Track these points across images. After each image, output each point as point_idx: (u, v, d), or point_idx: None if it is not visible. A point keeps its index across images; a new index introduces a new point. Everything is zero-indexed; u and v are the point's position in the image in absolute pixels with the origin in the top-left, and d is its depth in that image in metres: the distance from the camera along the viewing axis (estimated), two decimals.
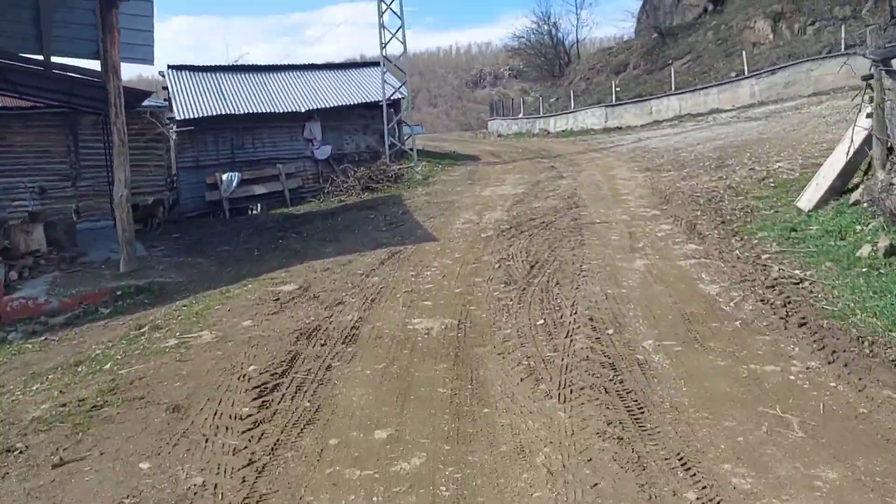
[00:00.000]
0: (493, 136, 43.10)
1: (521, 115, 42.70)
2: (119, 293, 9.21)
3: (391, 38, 21.38)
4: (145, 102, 26.82)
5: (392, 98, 21.65)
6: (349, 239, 11.36)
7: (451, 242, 10.25)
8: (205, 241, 13.48)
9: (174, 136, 19.47)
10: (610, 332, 5.92)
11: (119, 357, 6.40)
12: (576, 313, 6.44)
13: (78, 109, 18.96)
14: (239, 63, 25.61)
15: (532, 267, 8.26)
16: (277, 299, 7.73)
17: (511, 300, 7.03)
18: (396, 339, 6.10)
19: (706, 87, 29.16)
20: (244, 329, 6.74)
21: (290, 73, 22.87)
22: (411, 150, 21.74)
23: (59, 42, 13.93)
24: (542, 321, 6.30)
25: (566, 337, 5.86)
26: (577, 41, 53.68)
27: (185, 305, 8.14)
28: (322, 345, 6.06)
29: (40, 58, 13.80)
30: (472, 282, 7.89)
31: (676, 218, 10.40)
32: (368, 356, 5.74)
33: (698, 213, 10.58)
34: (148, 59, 14.87)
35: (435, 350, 5.79)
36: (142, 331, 7.31)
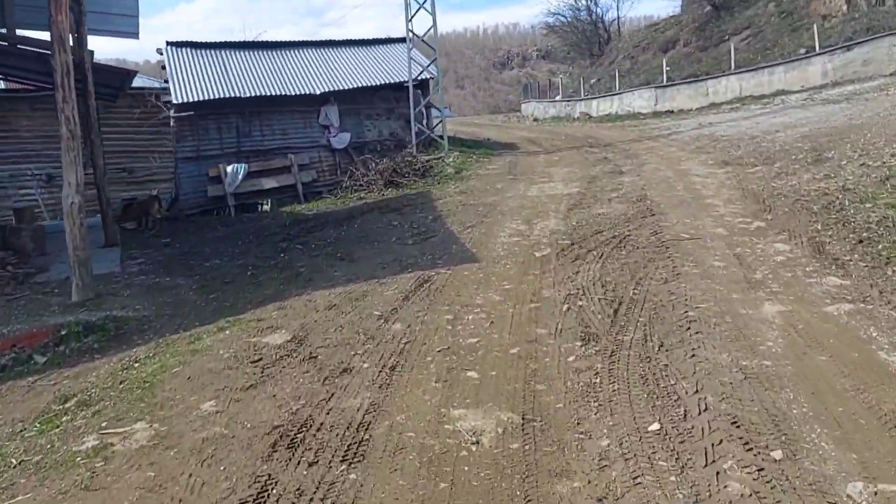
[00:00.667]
0: (527, 119, 40.57)
1: (558, 98, 40.09)
2: (64, 333, 7.17)
3: (418, 9, 19.07)
4: (145, 83, 25.03)
5: (419, 78, 19.38)
6: (366, 256, 9.18)
7: (496, 264, 8.02)
8: (196, 250, 11.42)
9: (172, 123, 17.45)
10: (777, 456, 3.67)
11: (12, 463, 4.33)
12: (706, 409, 4.19)
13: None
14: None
15: (616, 311, 6.01)
16: (259, 359, 5.59)
17: (596, 374, 4.81)
18: (427, 456, 3.92)
19: (770, 66, 26.35)
20: (200, 419, 4.60)
21: (305, 51, 20.67)
22: (441, 137, 19.47)
23: (25, 12, 11.94)
24: (655, 425, 4.07)
25: (705, 466, 3.63)
26: (619, 17, 50.72)
27: (136, 361, 6.05)
28: (311, 464, 3.91)
29: (2, 31, 11.82)
30: (533, 334, 5.68)
31: (791, 233, 8.04)
32: (381, 493, 3.58)
33: (818, 226, 8.21)
34: (131, 33, 12.85)
35: (489, 485, 3.60)
36: (66, 406, 5.24)
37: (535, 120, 38.82)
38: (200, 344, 6.22)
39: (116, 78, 12.81)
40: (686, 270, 7.00)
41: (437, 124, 20.34)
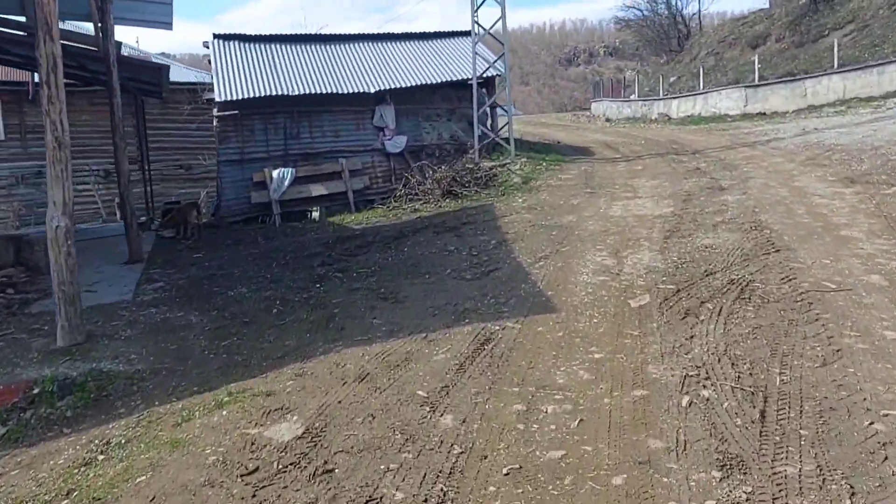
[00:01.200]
0: (598, 119, 38.35)
1: (633, 97, 37.72)
2: (36, 392, 5.83)
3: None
4: (190, 78, 24.18)
5: (485, 75, 17.71)
6: (414, 295, 7.56)
7: (579, 316, 6.30)
8: (224, 271, 10.07)
9: (215, 122, 16.30)
10: None
11: None
12: None
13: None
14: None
15: (763, 414, 4.22)
16: (253, 470, 4.04)
17: None
18: None
19: (881, 64, 23.54)
20: None
21: (360, 45, 19.26)
22: (507, 141, 17.75)
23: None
24: None
25: None
26: (700, 10, 47.78)
27: (102, 453, 4.60)
28: None
29: (21, 19, 10.75)
30: (644, 450, 3.95)
31: None
32: None
33: None
34: (164, 23, 11.62)
35: None
36: None
37: (608, 120, 36.59)
38: (187, 430, 4.72)
39: (147, 73, 11.61)
40: (848, 344, 5.12)
41: (502, 126, 18.61)
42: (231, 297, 8.44)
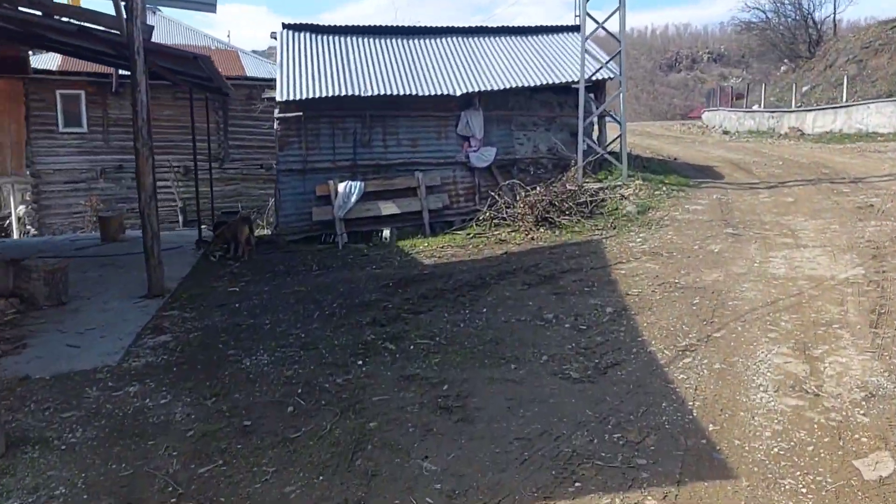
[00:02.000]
0: (714, 131, 34.64)
1: (756, 107, 33.87)
2: None
3: None
4: (269, 73, 22.62)
5: (593, 78, 15.07)
6: (492, 407, 5.04)
7: (773, 490, 3.69)
8: (253, 321, 7.92)
9: (276, 125, 14.38)
10: None
11: None
12: None
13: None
14: None
15: None
16: None
17: None
18: None
19: None
20: None
21: (448, 40, 16.92)
22: (616, 157, 15.03)
23: None
24: None
25: None
26: (835, 12, 42.94)
27: None
28: None
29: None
30: None
31: None
32: None
33: None
34: (207, 4, 9.68)
35: None
36: None
37: (726, 133, 32.90)
38: None
39: (179, 63, 9.70)
40: None
41: (612, 140, 15.86)
42: (244, 372, 6.23)
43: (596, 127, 16.03)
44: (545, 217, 12.32)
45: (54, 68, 20.77)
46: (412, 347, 6.51)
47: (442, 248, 12.03)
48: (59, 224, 21.74)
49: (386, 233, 14.55)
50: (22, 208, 21.63)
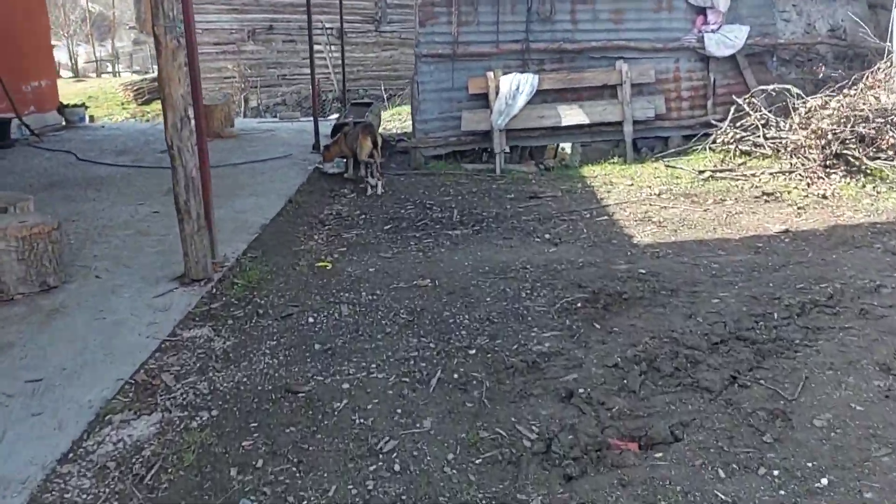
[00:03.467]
0: None
1: None
2: None
3: None
4: None
5: None
6: None
7: None
8: (324, 376, 4.27)
9: None
10: None
11: None
12: None
13: None
14: None
15: None
16: None
17: None
18: None
19: None
20: None
21: None
22: None
23: None
24: None
25: None
26: None
27: None
28: None
29: None
30: None
31: None
32: None
33: None
34: None
35: None
36: None
37: None
38: None
39: None
40: None
41: None
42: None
43: None
44: (840, 154, 7.49)
45: None
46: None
47: (658, 192, 7.69)
48: (209, 90, 19.75)
49: (566, 148, 10.33)
50: None
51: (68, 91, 27.63)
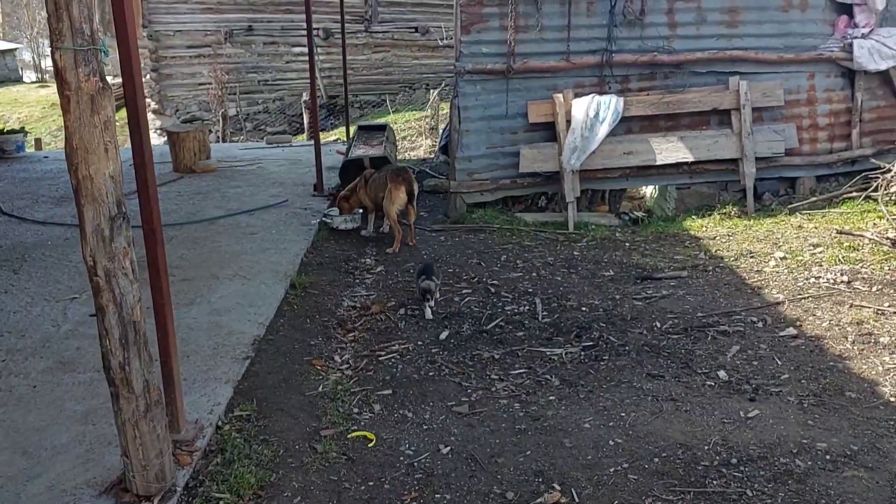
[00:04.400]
0: None
1: None
2: None
3: None
4: None
5: None
6: None
7: None
8: None
9: None
10: None
11: None
12: None
13: None
14: None
15: None
16: None
17: None
18: None
19: None
20: None
21: None
22: None
23: None
24: None
25: None
26: None
27: None
28: None
29: None
30: None
31: None
32: None
33: None
34: None
35: None
36: None
37: None
38: None
39: None
40: None
41: None
42: None
43: None
44: None
45: None
46: None
47: (845, 278, 5.22)
48: (183, 97, 17.93)
49: (649, 190, 7.89)
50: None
51: (29, 99, 24.95)
